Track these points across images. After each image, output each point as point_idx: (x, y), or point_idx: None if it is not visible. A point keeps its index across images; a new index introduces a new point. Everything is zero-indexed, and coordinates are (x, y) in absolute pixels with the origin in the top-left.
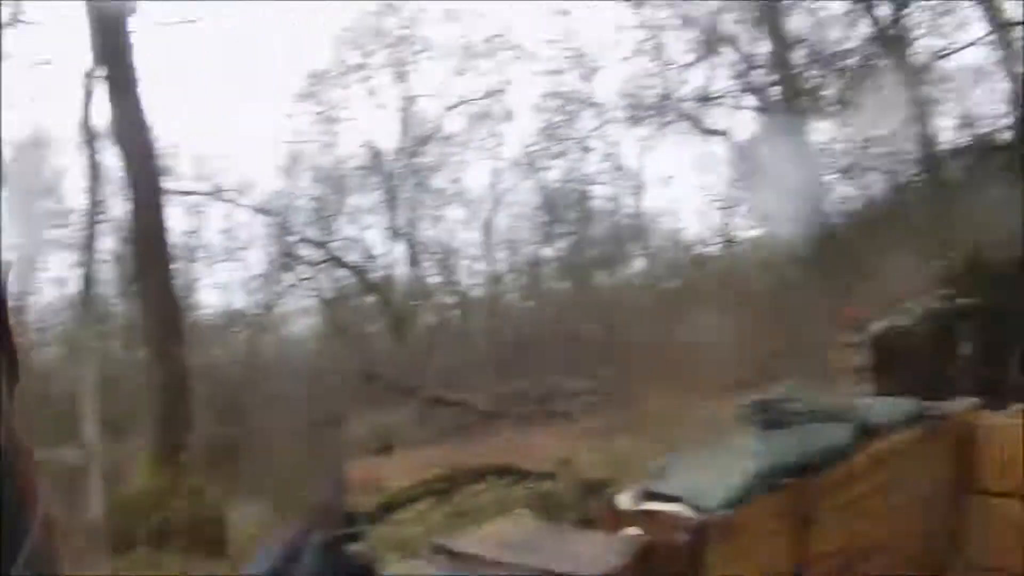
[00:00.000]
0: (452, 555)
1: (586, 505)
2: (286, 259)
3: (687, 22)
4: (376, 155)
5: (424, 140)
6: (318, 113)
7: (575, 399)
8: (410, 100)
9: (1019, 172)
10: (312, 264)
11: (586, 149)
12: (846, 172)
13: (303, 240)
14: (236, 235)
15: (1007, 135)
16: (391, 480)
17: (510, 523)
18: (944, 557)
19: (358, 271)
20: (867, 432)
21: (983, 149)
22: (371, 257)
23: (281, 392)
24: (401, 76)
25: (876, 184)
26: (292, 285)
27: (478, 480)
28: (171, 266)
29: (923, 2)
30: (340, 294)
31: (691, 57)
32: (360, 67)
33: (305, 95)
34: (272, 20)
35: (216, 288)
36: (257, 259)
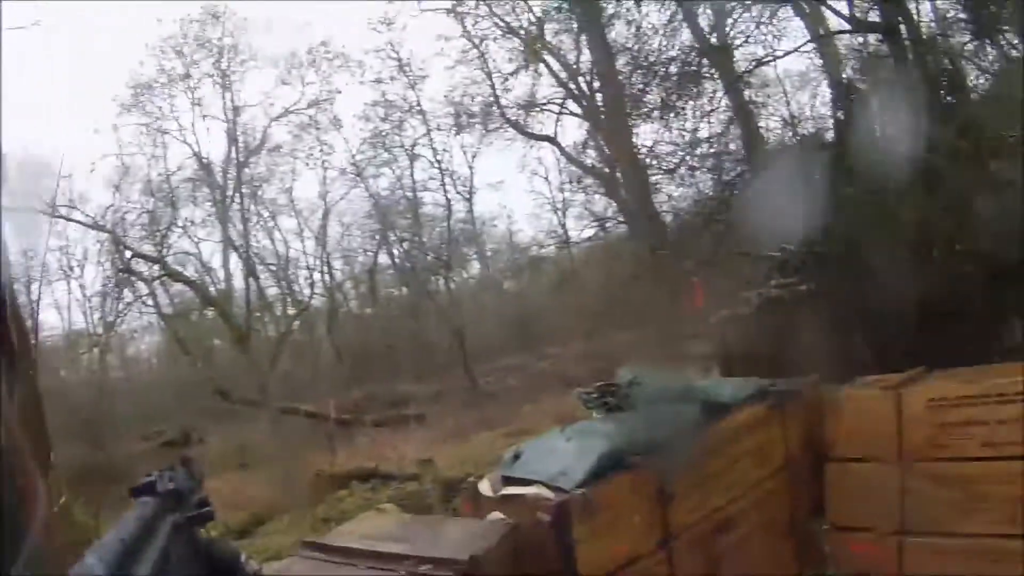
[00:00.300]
0: (323, 549)
1: (451, 501)
2: (123, 276)
3: (509, 31)
4: (205, 166)
5: (252, 151)
6: (145, 124)
7: (427, 402)
8: (237, 110)
9: (842, 168)
10: (149, 280)
11: (414, 156)
12: (673, 172)
13: (138, 255)
14: (71, 252)
15: (830, 135)
16: (255, 494)
17: (378, 516)
18: (806, 522)
19: (196, 285)
20: (715, 410)
21: (808, 148)
22: (207, 270)
23: (133, 411)
24: (226, 86)
25: (704, 183)
26: (131, 302)
27: (342, 486)
28: (12, 286)
29: (744, 13)
30: (180, 310)
31: (514, 65)
32: (185, 77)
33: (131, 106)
34: (95, 28)
35: (56, 308)
36: (94, 277)
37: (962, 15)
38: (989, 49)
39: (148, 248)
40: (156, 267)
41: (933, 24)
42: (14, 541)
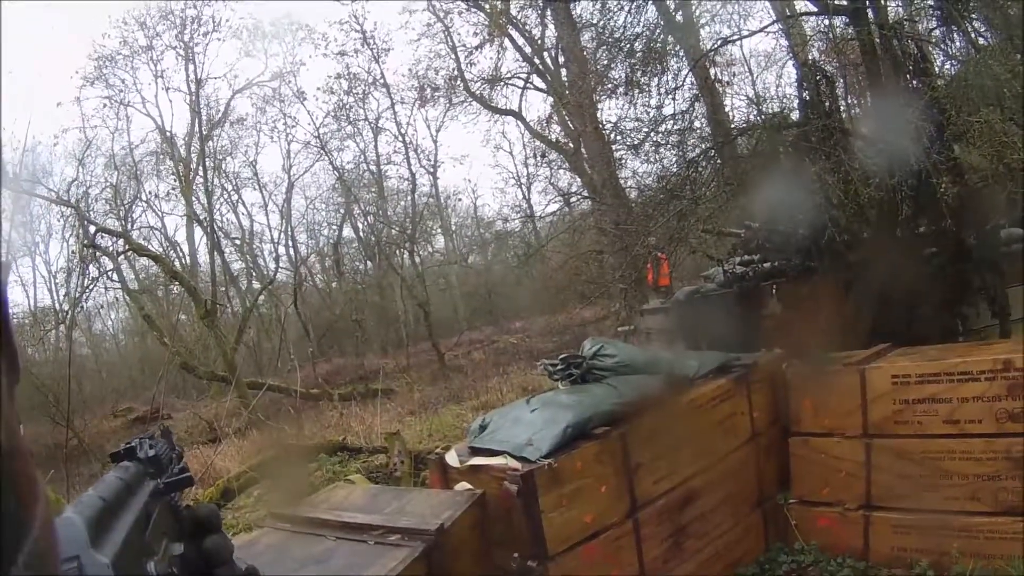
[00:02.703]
0: (292, 520)
1: (419, 475)
2: (88, 251)
3: (474, 5)
4: (169, 139)
5: (216, 123)
6: (107, 97)
7: (394, 376)
8: (200, 82)
9: (806, 147)
10: (114, 255)
11: (378, 130)
12: (638, 148)
13: (103, 230)
14: (35, 228)
15: (795, 115)
16: (222, 468)
17: (347, 488)
18: (771, 495)
19: (161, 260)
20: (679, 382)
21: (773, 126)
22: (172, 245)
23: (101, 388)
24: (189, 58)
25: (667, 160)
26: (96, 278)
27: (310, 460)
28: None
29: None
30: (146, 285)
31: (479, 40)
32: (147, 49)
33: (93, 78)
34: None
35: (21, 285)
36: (59, 253)
37: (930, 1)
38: (956, 36)
39: (112, 223)
40: (121, 242)
41: (900, 9)
42: (14, 541)
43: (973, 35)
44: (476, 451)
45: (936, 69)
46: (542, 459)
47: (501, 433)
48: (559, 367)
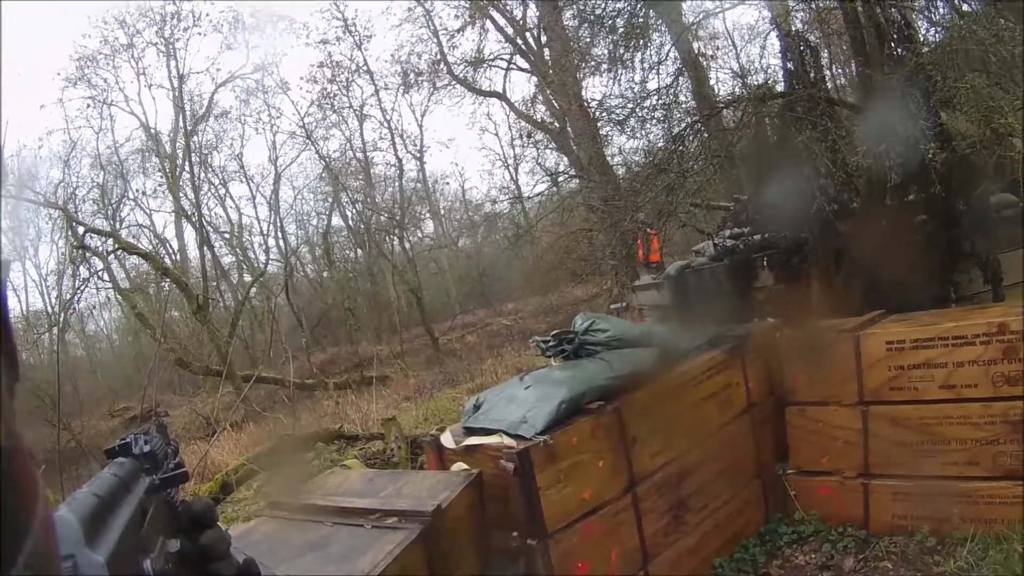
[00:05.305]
0: (289, 507)
1: (416, 459)
2: (77, 252)
3: None
4: (153, 136)
5: (200, 118)
6: (91, 97)
7: (388, 362)
8: (182, 78)
9: (792, 118)
10: (104, 255)
11: (363, 117)
12: (623, 124)
13: (92, 231)
14: (23, 232)
15: (780, 85)
16: (220, 462)
17: (343, 473)
18: (769, 466)
19: (151, 257)
20: (673, 355)
21: (758, 98)
22: (162, 242)
23: (97, 388)
24: (170, 54)
25: (653, 134)
26: (87, 279)
27: (307, 450)
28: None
29: None
30: (137, 283)
31: (460, 22)
32: (128, 47)
33: (76, 79)
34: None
35: (11, 290)
36: (48, 255)
37: None
38: (939, 2)
39: (101, 222)
40: (110, 241)
41: None
42: (14, 541)
43: (957, 1)
44: (471, 431)
45: (920, 36)
46: (537, 436)
47: (495, 412)
48: (551, 344)
